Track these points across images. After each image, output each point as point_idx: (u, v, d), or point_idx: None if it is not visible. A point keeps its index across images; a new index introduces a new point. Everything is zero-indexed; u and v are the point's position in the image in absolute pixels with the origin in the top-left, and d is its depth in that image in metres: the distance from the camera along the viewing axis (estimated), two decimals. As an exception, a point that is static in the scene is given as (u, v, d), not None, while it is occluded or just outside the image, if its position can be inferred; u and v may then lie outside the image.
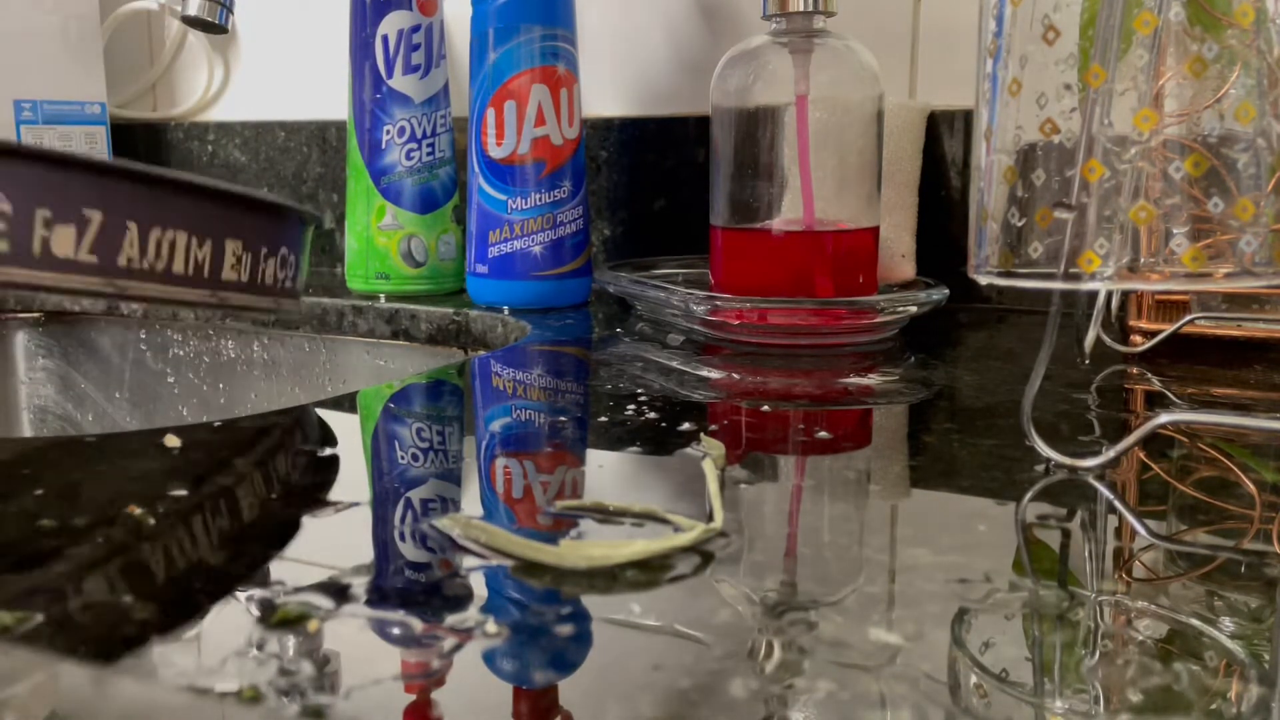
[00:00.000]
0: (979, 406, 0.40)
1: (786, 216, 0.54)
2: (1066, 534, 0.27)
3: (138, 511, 0.28)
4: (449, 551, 0.25)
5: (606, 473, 0.32)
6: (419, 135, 0.70)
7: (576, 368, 0.49)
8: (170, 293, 0.33)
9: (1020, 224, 0.32)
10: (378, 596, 0.23)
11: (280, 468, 0.34)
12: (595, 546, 0.25)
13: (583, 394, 0.43)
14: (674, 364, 0.48)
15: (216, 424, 0.37)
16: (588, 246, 0.67)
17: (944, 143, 0.67)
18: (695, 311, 0.53)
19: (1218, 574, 0.25)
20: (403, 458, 0.34)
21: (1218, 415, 0.37)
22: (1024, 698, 0.19)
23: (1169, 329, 0.49)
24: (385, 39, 0.68)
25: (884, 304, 0.52)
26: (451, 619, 0.22)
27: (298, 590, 0.23)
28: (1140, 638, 0.21)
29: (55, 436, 0.75)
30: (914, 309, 0.53)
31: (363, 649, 0.21)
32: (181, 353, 0.76)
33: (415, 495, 0.30)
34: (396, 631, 0.21)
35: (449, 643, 0.21)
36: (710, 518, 0.28)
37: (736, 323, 0.52)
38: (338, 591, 0.23)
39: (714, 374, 0.46)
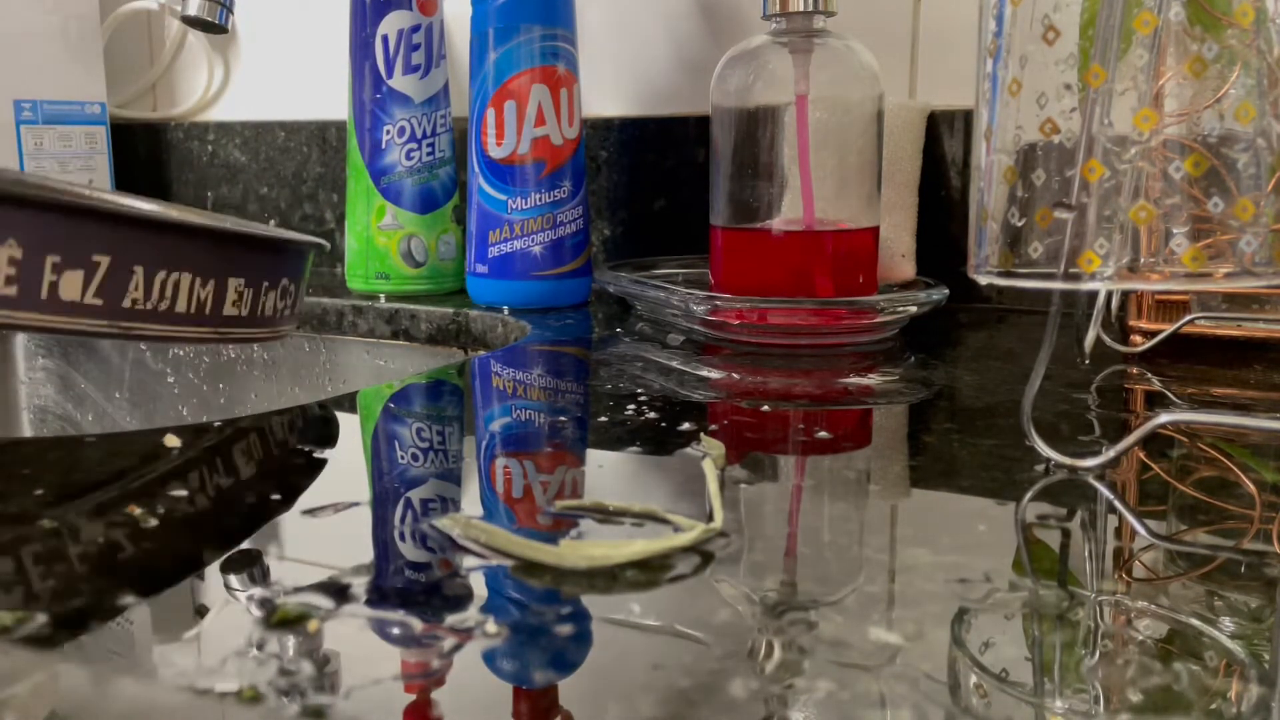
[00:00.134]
0: (979, 406, 0.40)
1: (786, 216, 0.54)
2: (1066, 534, 0.27)
3: (138, 511, 0.28)
4: (449, 551, 0.25)
5: (606, 473, 0.32)
6: (419, 135, 0.70)
7: (576, 368, 0.49)
8: (172, 331, 0.34)
9: (1020, 224, 0.32)
10: (378, 596, 0.23)
11: (280, 468, 0.34)
12: (595, 546, 0.25)
13: (583, 394, 0.43)
14: (674, 364, 0.48)
15: (216, 424, 0.37)
16: (588, 246, 0.67)
17: (944, 143, 0.67)
18: (695, 311, 0.53)
19: (1218, 574, 0.25)
20: (403, 458, 0.34)
21: (1218, 415, 0.37)
22: (1024, 698, 0.19)
23: (1169, 329, 0.49)
24: (385, 39, 0.68)
25: (884, 304, 0.52)
26: (451, 619, 0.22)
27: (298, 590, 0.23)
28: (1140, 638, 0.21)
29: (55, 436, 0.75)
30: (914, 309, 0.53)
31: (363, 649, 0.21)
32: (181, 353, 0.76)
33: (415, 495, 0.30)
34: (396, 631, 0.21)
35: (449, 643, 0.21)
36: (710, 518, 0.28)
37: (736, 323, 0.52)
38: (338, 591, 0.23)
39: (714, 374, 0.46)
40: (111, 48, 0.93)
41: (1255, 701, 0.19)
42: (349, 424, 0.39)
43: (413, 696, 0.19)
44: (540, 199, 0.64)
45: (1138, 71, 0.30)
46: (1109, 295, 0.49)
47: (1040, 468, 0.32)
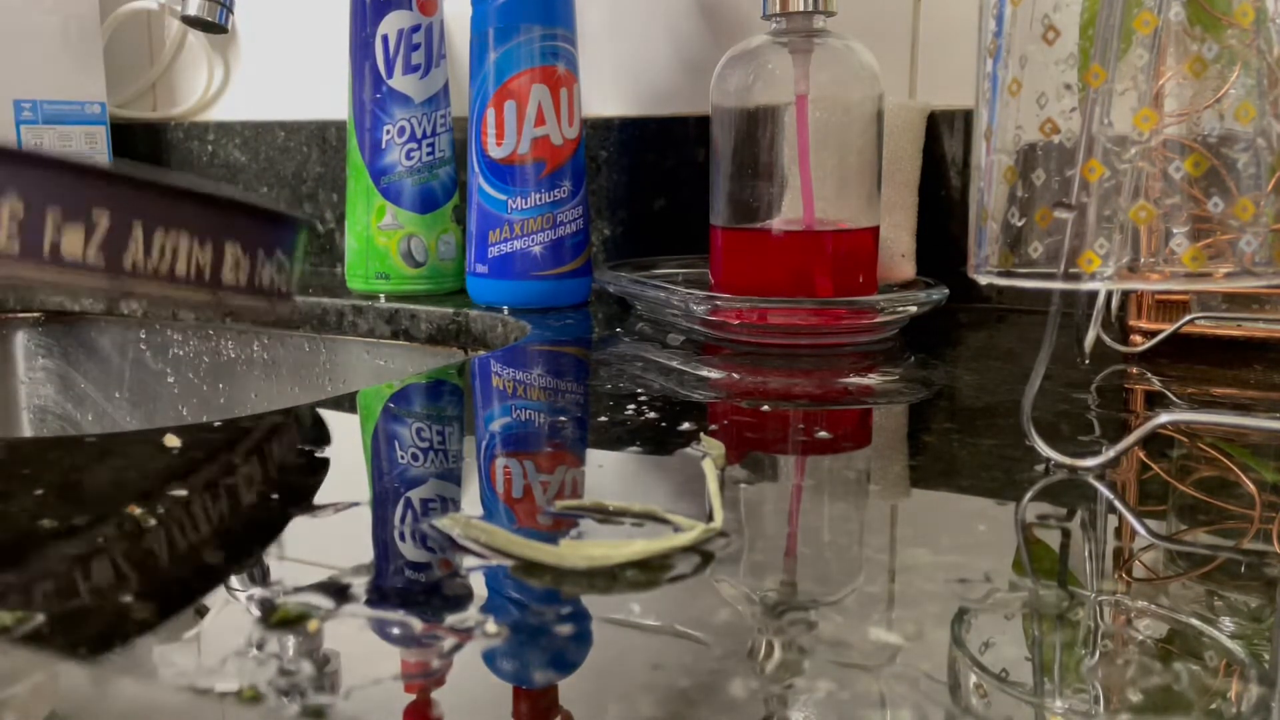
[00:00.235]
0: (979, 406, 0.40)
1: (786, 216, 0.54)
2: (1066, 534, 0.27)
3: (138, 511, 0.28)
4: (449, 551, 0.25)
5: (606, 473, 0.32)
6: (419, 135, 0.70)
7: (576, 368, 0.49)
8: (172, 293, 0.34)
9: (1020, 224, 0.32)
10: (378, 596, 0.23)
11: (280, 467, 0.34)
12: (595, 546, 0.25)
13: (583, 394, 0.43)
14: (674, 364, 0.48)
15: (216, 424, 0.37)
16: (588, 246, 0.67)
17: (944, 143, 0.67)
18: (695, 311, 0.53)
19: (1218, 574, 0.25)
20: (403, 458, 0.34)
21: (1218, 415, 0.37)
22: (1024, 698, 0.19)
23: (1169, 329, 0.49)
24: (385, 39, 0.68)
25: (884, 304, 0.52)
26: (451, 619, 0.22)
27: (298, 590, 0.23)
28: (1140, 638, 0.21)
29: (55, 436, 0.75)
30: (914, 309, 0.53)
31: (363, 649, 0.21)
32: (181, 353, 0.76)
33: (415, 495, 0.30)
34: (396, 631, 0.21)
35: (449, 642, 0.21)
36: (710, 518, 0.28)
37: (736, 323, 0.52)
38: (338, 591, 0.23)
39: (714, 374, 0.46)
40: (111, 48, 0.93)
41: (1255, 701, 0.19)
42: (349, 424, 0.39)
43: (413, 696, 0.19)
44: (540, 199, 0.64)
45: (1138, 71, 0.30)
46: (1109, 295, 0.49)
47: (1040, 468, 0.32)
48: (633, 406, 0.40)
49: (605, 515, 0.28)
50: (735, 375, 0.46)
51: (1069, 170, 0.31)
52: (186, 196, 0.34)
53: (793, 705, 0.19)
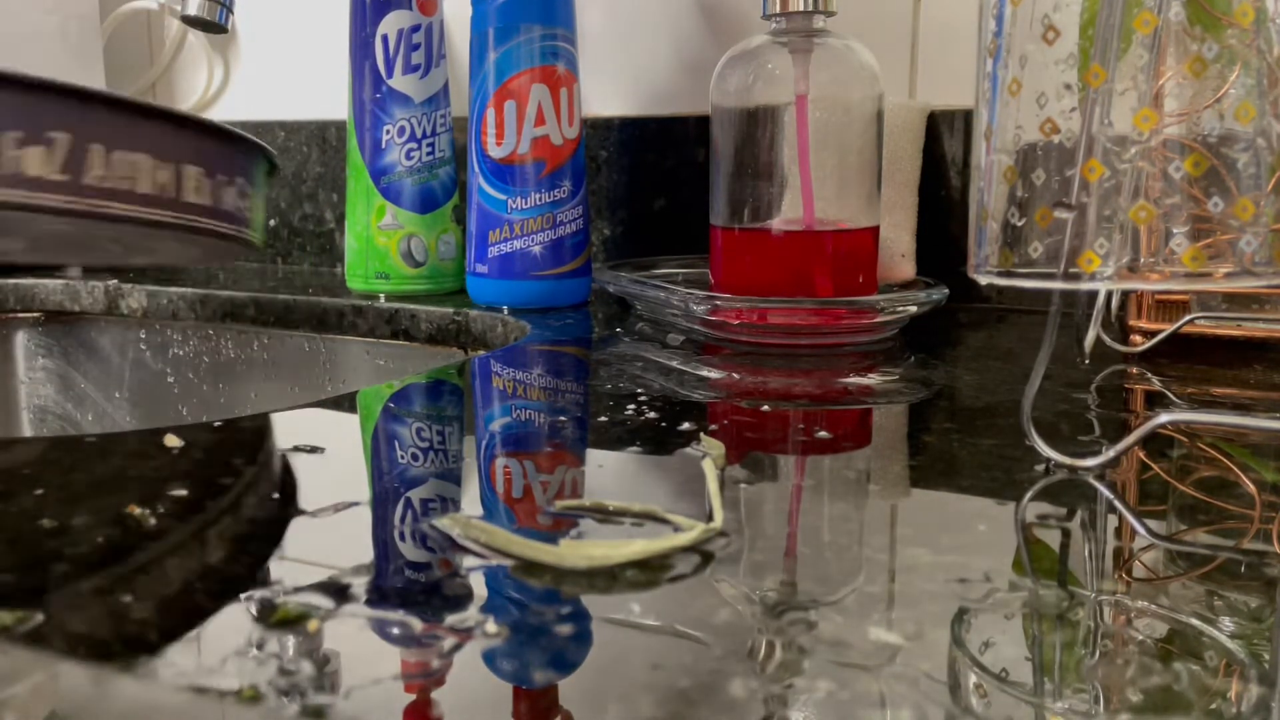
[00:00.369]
0: (979, 406, 0.40)
1: (786, 216, 0.54)
2: (1066, 534, 0.27)
3: (138, 511, 0.28)
4: (449, 551, 0.25)
5: (606, 472, 0.32)
6: (419, 135, 0.70)
7: (576, 368, 0.49)
8: (138, 211, 0.34)
9: (1020, 224, 0.32)
10: (378, 596, 0.23)
11: (280, 467, 0.34)
12: (595, 546, 0.25)
13: (583, 394, 0.43)
14: (674, 364, 0.48)
15: (216, 424, 0.37)
16: (588, 246, 0.67)
17: (944, 142, 0.67)
18: (695, 311, 0.53)
19: (1218, 574, 0.25)
20: (402, 457, 0.34)
21: (1218, 415, 0.37)
22: (1024, 698, 0.19)
23: (1169, 329, 0.49)
24: (385, 39, 0.68)
25: (884, 304, 0.52)
26: (451, 619, 0.22)
27: (298, 590, 0.23)
28: (1140, 638, 0.21)
29: (55, 436, 0.75)
30: (914, 309, 0.53)
31: (363, 649, 0.21)
32: (181, 353, 0.76)
33: (415, 495, 0.30)
34: (396, 631, 0.21)
35: (449, 642, 0.21)
36: (710, 518, 0.28)
37: (736, 322, 0.52)
38: (338, 591, 0.23)
39: (714, 374, 0.46)
40: (111, 48, 0.93)
41: (1255, 701, 0.19)
42: (349, 424, 0.39)
43: (413, 696, 0.19)
44: (540, 199, 0.64)
45: (1138, 71, 0.30)
46: (1109, 295, 0.49)
47: (1040, 467, 0.32)
48: (633, 406, 0.40)
49: (605, 515, 0.28)
50: (735, 375, 0.46)
51: (1069, 170, 0.31)
52: (143, 114, 0.34)
53: (793, 705, 0.19)
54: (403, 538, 0.27)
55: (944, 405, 0.42)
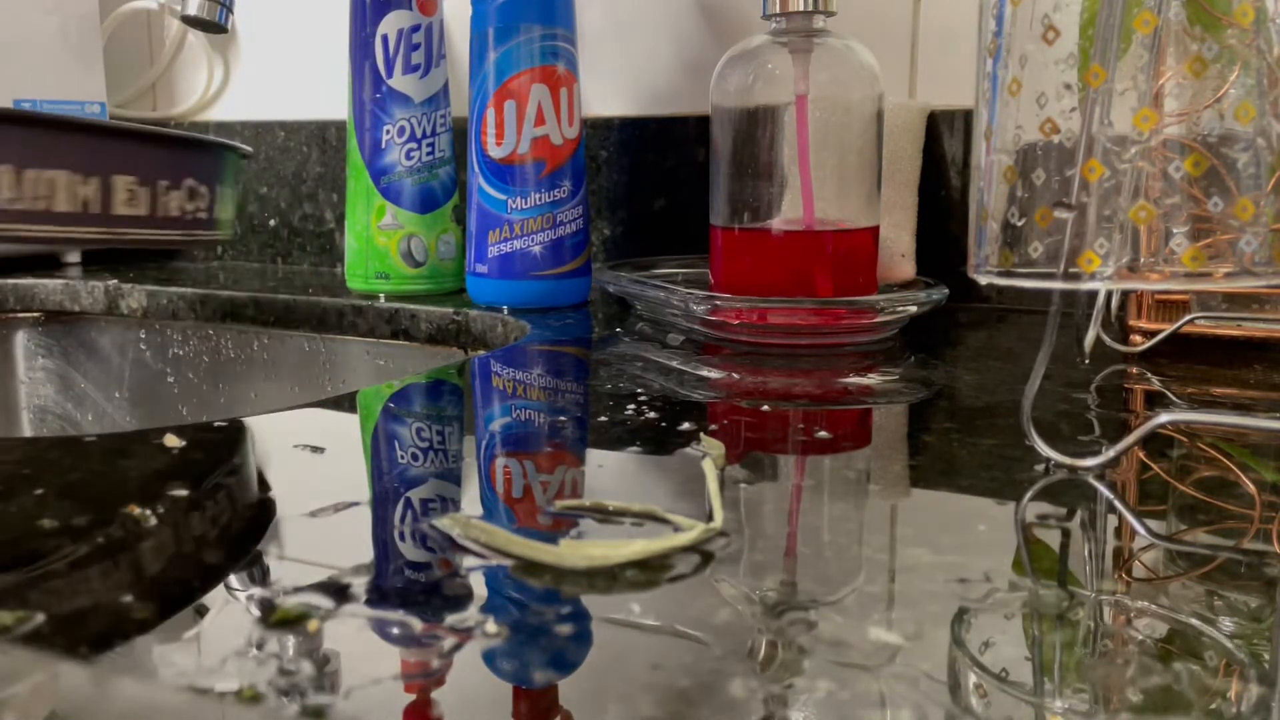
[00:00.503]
0: (979, 406, 0.40)
1: (786, 216, 0.54)
2: (1066, 534, 0.27)
3: (138, 511, 0.28)
4: (449, 551, 0.25)
5: (606, 472, 0.32)
6: (419, 135, 0.70)
7: (576, 368, 0.49)
8: (58, 232, 0.33)
9: (1020, 224, 0.32)
10: (378, 596, 0.23)
11: (280, 467, 0.34)
12: (595, 546, 0.25)
13: (583, 394, 0.43)
14: (674, 364, 0.48)
15: (216, 424, 0.37)
16: (587, 246, 0.67)
17: (944, 142, 0.67)
18: (695, 311, 0.53)
19: (1218, 574, 0.25)
20: (402, 457, 0.34)
21: (1218, 415, 0.37)
22: (1024, 697, 0.19)
23: (1169, 329, 0.49)
24: (385, 38, 0.68)
25: (884, 304, 0.52)
26: (451, 619, 0.22)
27: (298, 590, 0.23)
28: (1140, 638, 0.21)
29: (55, 436, 0.75)
30: (914, 309, 0.53)
31: (363, 649, 0.21)
32: (181, 352, 0.76)
33: (415, 495, 0.30)
34: (396, 631, 0.21)
35: (449, 642, 0.21)
36: (710, 517, 0.28)
37: (736, 322, 0.52)
38: (338, 591, 0.23)
39: (714, 374, 0.46)
40: (111, 48, 0.93)
41: (1255, 701, 0.19)
42: (349, 424, 0.39)
43: (413, 696, 0.19)
44: (540, 199, 0.64)
45: (1138, 71, 0.30)
46: (1109, 295, 0.49)
47: (1040, 467, 0.32)
48: (633, 406, 0.40)
49: (605, 515, 0.28)
50: (735, 375, 0.46)
51: (1069, 170, 0.31)
52: (60, 130, 0.33)
53: (793, 705, 0.19)
54: (403, 538, 0.27)
55: (944, 405, 0.42)
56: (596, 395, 0.42)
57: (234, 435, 0.37)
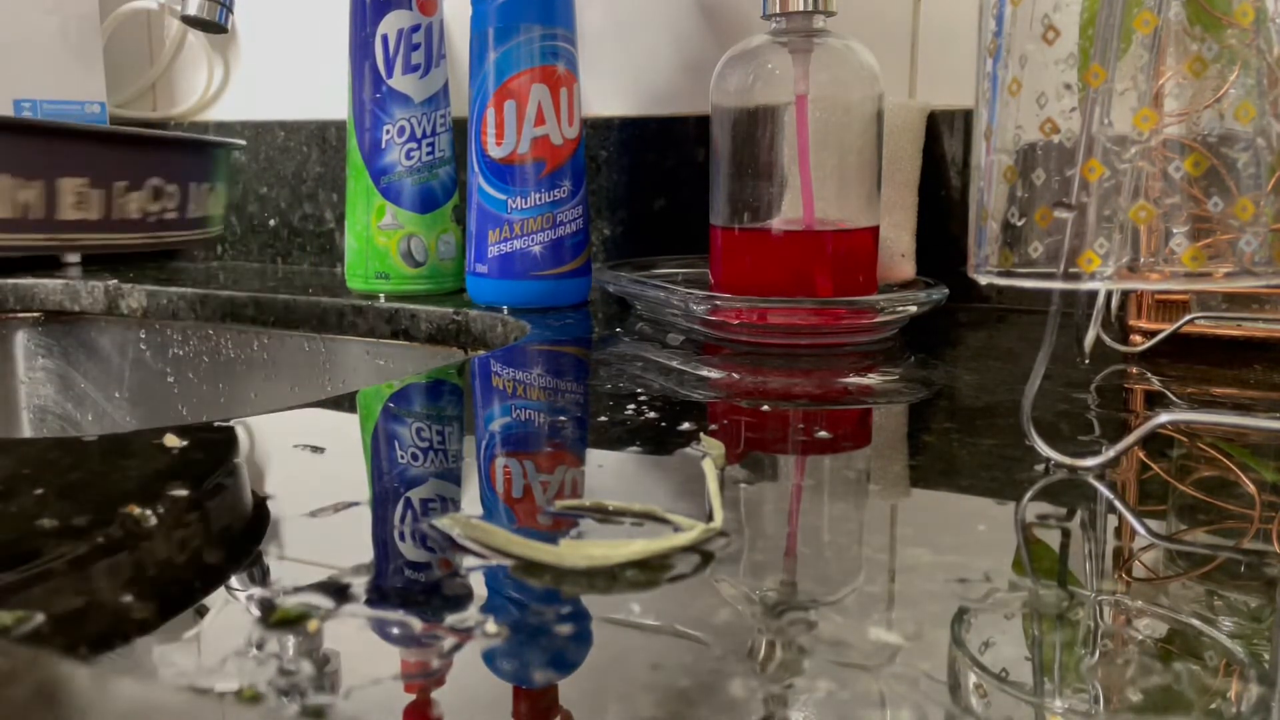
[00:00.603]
0: (979, 406, 0.40)
1: (786, 216, 0.54)
2: (1066, 534, 0.27)
3: (138, 511, 0.28)
4: (449, 551, 0.25)
5: (606, 472, 0.32)
6: (419, 135, 0.70)
7: (576, 367, 0.49)
8: (5, 239, 0.31)
9: (1020, 223, 0.32)
10: (378, 596, 0.23)
11: (280, 467, 0.34)
12: (595, 546, 0.25)
13: (582, 394, 0.43)
14: (674, 364, 0.48)
15: (216, 424, 0.37)
16: (587, 246, 0.67)
17: (944, 142, 0.67)
18: (695, 311, 0.53)
19: (1218, 574, 0.25)
20: (402, 457, 0.34)
21: (1218, 415, 0.37)
22: (1024, 697, 0.19)
23: (1169, 329, 0.49)
24: (385, 38, 0.68)
25: (884, 304, 0.52)
26: (451, 619, 0.22)
27: (298, 590, 0.23)
28: (1140, 637, 0.21)
29: (55, 436, 0.75)
30: (914, 309, 0.53)
31: (363, 649, 0.21)
32: (181, 352, 0.76)
33: (415, 495, 0.30)
34: (396, 631, 0.21)
35: (449, 642, 0.21)
36: (710, 517, 0.28)
37: (736, 322, 0.52)
38: (338, 591, 0.23)
39: (714, 374, 0.46)
40: (111, 48, 0.93)
41: (1255, 701, 0.19)
42: (349, 424, 0.39)
43: (413, 696, 0.19)
44: (540, 199, 0.64)
45: (1138, 71, 0.30)
46: (1109, 295, 0.49)
47: (1040, 467, 0.32)
48: (633, 406, 0.40)
49: (605, 515, 0.28)
50: (735, 375, 0.46)
51: (1069, 170, 0.31)
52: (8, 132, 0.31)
53: (793, 705, 0.19)
54: (403, 538, 0.27)
55: (944, 405, 0.42)
56: (596, 395, 0.42)
57: (234, 435, 0.37)
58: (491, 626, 0.21)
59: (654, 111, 0.76)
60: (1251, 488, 0.31)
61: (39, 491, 0.30)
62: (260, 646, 0.20)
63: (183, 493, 0.30)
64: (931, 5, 0.68)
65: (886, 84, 0.56)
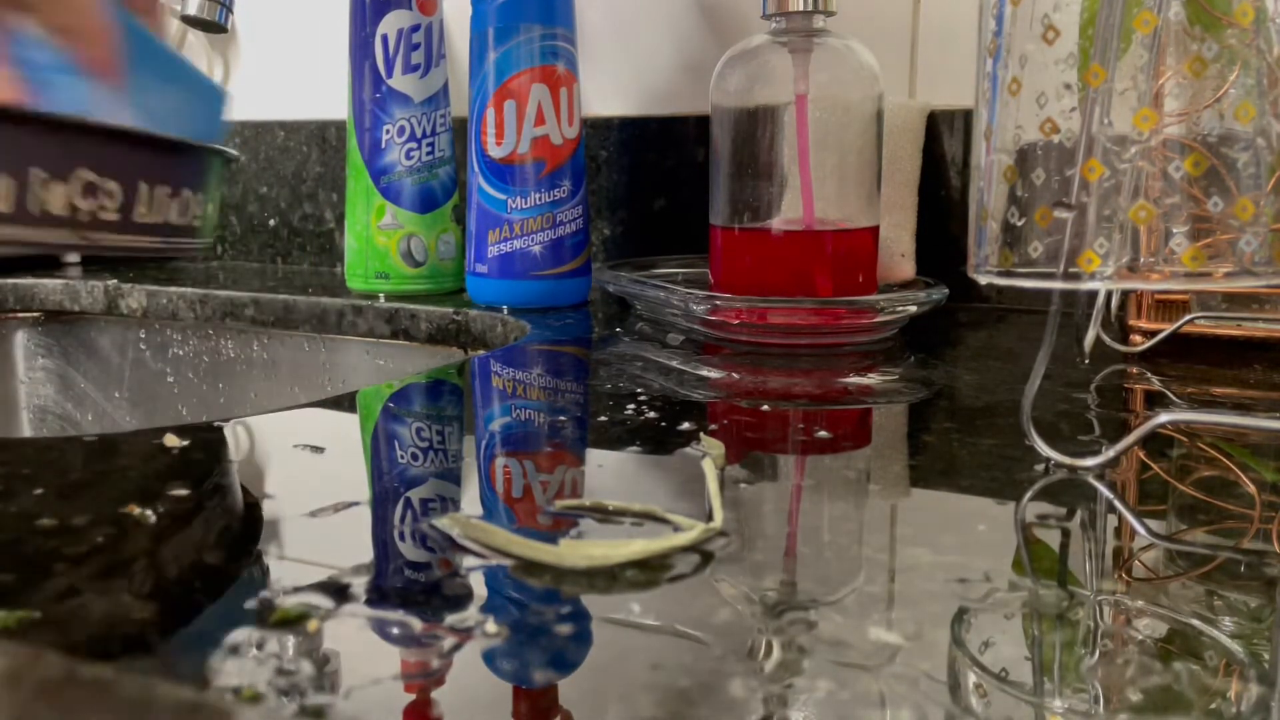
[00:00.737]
0: (979, 406, 0.40)
1: (786, 216, 0.54)
2: (1066, 534, 0.27)
3: (138, 511, 0.28)
4: (449, 551, 0.25)
5: (606, 472, 0.32)
6: (419, 135, 0.70)
7: (576, 367, 0.49)
8: (26, 235, 0.28)
9: (1020, 223, 0.32)
10: (377, 596, 0.23)
11: (280, 467, 0.34)
12: (595, 546, 0.25)
13: (582, 394, 0.43)
14: (674, 364, 0.48)
15: (216, 424, 0.37)
16: (587, 246, 0.67)
17: (944, 142, 0.67)
18: (695, 311, 0.53)
19: (1218, 574, 0.25)
20: (402, 457, 0.34)
21: (1217, 415, 0.37)
22: (1024, 697, 0.19)
23: (1169, 328, 0.49)
24: (385, 38, 0.68)
25: (884, 303, 0.52)
26: (451, 619, 0.22)
27: (298, 590, 0.23)
28: (1140, 637, 0.21)
29: (55, 436, 0.75)
30: (914, 309, 0.53)
31: (363, 649, 0.21)
32: (181, 352, 0.76)
33: (415, 495, 0.30)
34: (396, 631, 0.21)
35: (449, 642, 0.21)
36: (710, 517, 0.28)
37: (736, 322, 0.52)
38: (337, 591, 0.23)
39: (714, 374, 0.46)
40: (111, 47, 0.93)
41: (1255, 701, 0.19)
42: (349, 424, 0.39)
43: (412, 696, 0.19)
44: (540, 198, 0.64)
45: (1138, 71, 0.30)
46: (1109, 295, 0.49)
47: (1040, 467, 0.32)
48: (633, 406, 0.40)
49: (605, 515, 0.28)
50: (735, 375, 0.46)
51: (1069, 170, 0.31)
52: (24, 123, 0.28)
53: (793, 705, 0.19)
54: (403, 538, 0.27)
55: (944, 405, 0.42)
56: (596, 395, 0.42)
57: (234, 435, 0.37)
58: (491, 626, 0.21)
59: (654, 111, 0.76)
60: (1251, 488, 0.31)
61: (39, 491, 0.30)
62: (260, 646, 0.20)
63: (183, 493, 0.30)
64: (931, 5, 0.68)
65: (886, 84, 0.56)
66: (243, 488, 0.31)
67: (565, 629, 0.21)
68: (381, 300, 0.69)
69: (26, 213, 0.29)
